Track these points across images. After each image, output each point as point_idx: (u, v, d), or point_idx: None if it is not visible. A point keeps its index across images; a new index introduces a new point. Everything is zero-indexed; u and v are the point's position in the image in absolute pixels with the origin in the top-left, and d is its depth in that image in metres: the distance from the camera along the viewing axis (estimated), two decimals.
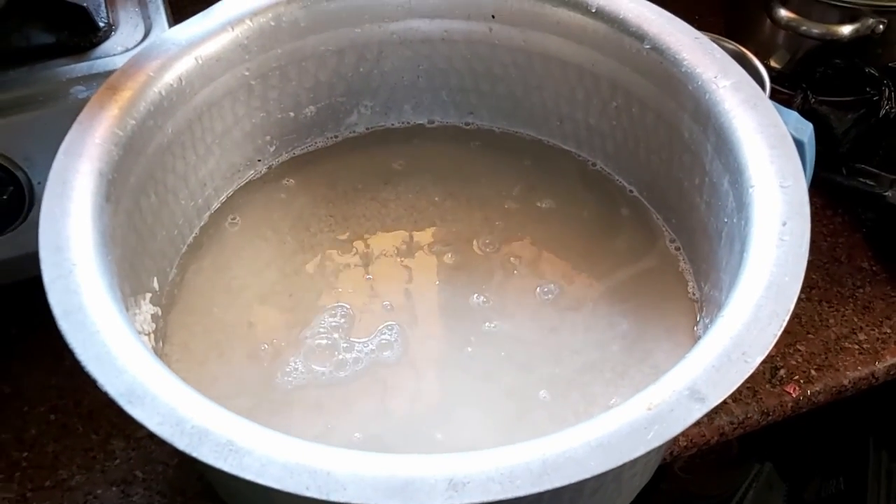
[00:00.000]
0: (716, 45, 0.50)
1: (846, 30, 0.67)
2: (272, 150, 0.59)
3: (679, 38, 0.51)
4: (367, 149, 0.61)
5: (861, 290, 0.62)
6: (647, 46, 0.51)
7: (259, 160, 0.58)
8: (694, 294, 0.51)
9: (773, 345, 0.37)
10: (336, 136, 0.61)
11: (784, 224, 0.41)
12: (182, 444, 0.34)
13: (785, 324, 0.37)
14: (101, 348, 0.37)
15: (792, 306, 0.38)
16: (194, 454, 0.34)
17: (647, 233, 0.55)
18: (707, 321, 0.48)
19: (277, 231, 0.56)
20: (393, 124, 0.62)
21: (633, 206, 0.57)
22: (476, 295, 0.52)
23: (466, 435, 0.46)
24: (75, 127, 0.45)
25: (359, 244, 0.56)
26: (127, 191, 0.47)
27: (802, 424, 0.58)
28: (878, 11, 0.67)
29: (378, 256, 0.55)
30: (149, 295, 0.49)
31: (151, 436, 0.48)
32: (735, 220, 0.45)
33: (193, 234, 0.55)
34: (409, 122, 0.62)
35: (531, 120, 0.61)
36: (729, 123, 0.46)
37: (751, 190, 0.44)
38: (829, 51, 0.69)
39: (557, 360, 0.49)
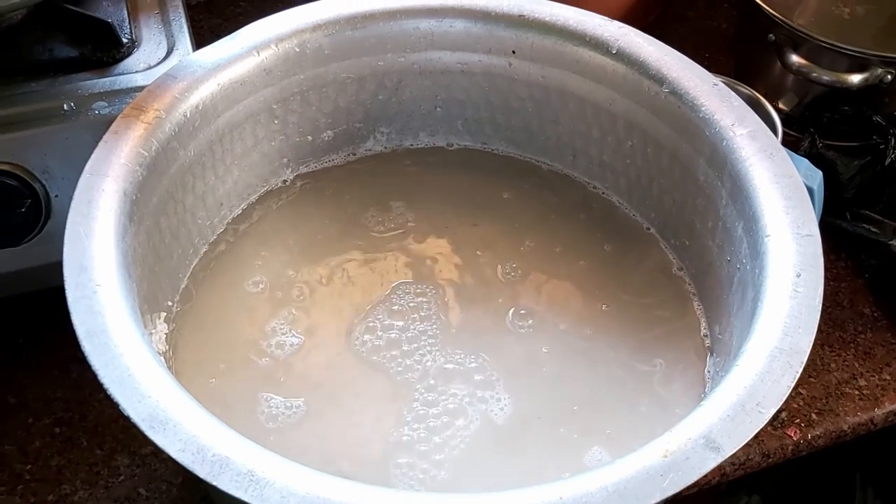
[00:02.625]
0: (733, 93, 0.51)
1: (856, 79, 0.68)
2: (288, 171, 0.59)
3: (698, 84, 0.51)
4: (382, 169, 0.61)
5: (862, 336, 0.63)
6: (666, 90, 0.52)
7: (274, 180, 0.59)
8: (706, 335, 0.52)
9: (786, 396, 0.37)
10: (351, 155, 0.61)
11: (798, 275, 0.42)
12: (203, 472, 0.34)
13: (798, 376, 0.38)
14: (123, 371, 0.37)
15: (805, 359, 0.39)
16: (215, 482, 0.34)
17: (661, 270, 0.56)
18: (719, 363, 0.49)
19: (289, 248, 0.57)
20: (411, 145, 0.62)
21: (647, 241, 0.57)
22: (488, 319, 0.53)
23: (475, 462, 0.47)
24: (101, 146, 0.46)
25: (370, 264, 0.56)
26: (149, 211, 0.47)
27: (791, 458, 0.59)
28: (887, 62, 0.68)
29: (388, 277, 0.55)
30: (164, 314, 0.49)
31: (156, 453, 0.48)
32: (749, 267, 0.46)
33: (205, 251, 0.55)
34: (426, 145, 0.63)
35: (545, 152, 0.61)
36: (745, 171, 0.47)
37: (766, 239, 0.44)
38: (838, 97, 0.71)
39: (566, 391, 0.50)
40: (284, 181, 0.59)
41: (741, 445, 0.36)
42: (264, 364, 0.50)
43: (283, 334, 0.52)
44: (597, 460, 0.46)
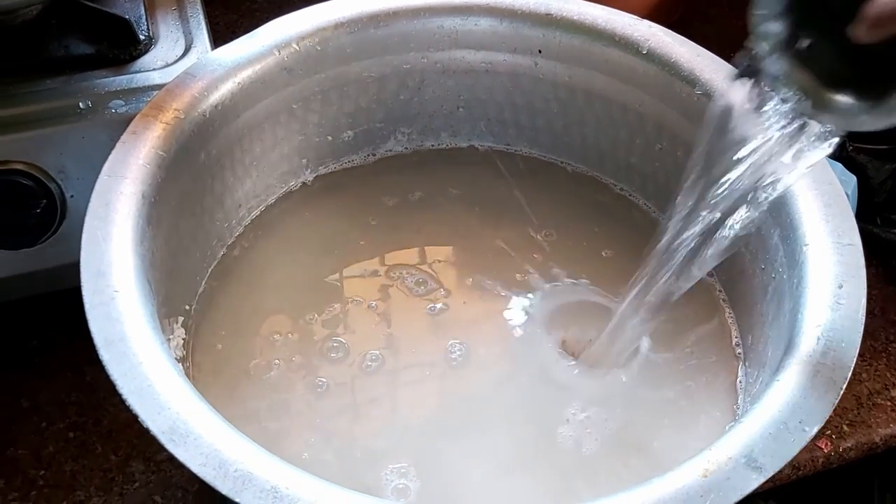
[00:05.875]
0: None
1: None
2: (308, 172, 0.58)
3: None
4: (402, 170, 0.60)
5: (894, 345, 0.61)
6: (699, 92, 0.51)
7: (293, 181, 0.58)
8: (737, 343, 0.50)
9: (830, 414, 0.36)
10: (371, 156, 0.60)
11: (840, 287, 0.41)
12: (225, 488, 0.33)
13: (842, 392, 0.37)
14: (143, 381, 0.36)
15: (849, 375, 0.37)
16: (237, 499, 0.33)
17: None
18: (752, 373, 0.47)
19: (308, 250, 0.55)
20: (432, 146, 0.61)
21: None
22: (513, 328, 0.52)
23: (504, 475, 0.46)
24: (119, 147, 0.44)
25: (389, 265, 0.55)
26: (167, 213, 0.46)
27: (821, 471, 0.58)
28: None
29: (407, 280, 0.54)
30: (181, 318, 0.48)
31: (171, 459, 0.47)
32: (785, 277, 0.45)
33: (223, 253, 0.54)
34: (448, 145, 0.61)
35: (570, 154, 0.60)
36: None
37: (805, 248, 0.43)
38: None
39: (595, 402, 0.48)
40: (304, 182, 0.58)
41: (784, 465, 0.34)
42: (281, 369, 0.49)
43: (305, 343, 0.50)
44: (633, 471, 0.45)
